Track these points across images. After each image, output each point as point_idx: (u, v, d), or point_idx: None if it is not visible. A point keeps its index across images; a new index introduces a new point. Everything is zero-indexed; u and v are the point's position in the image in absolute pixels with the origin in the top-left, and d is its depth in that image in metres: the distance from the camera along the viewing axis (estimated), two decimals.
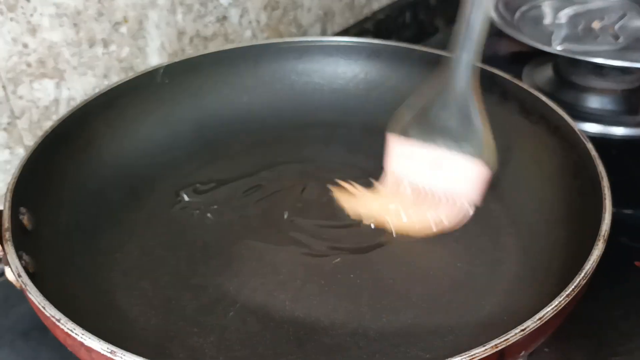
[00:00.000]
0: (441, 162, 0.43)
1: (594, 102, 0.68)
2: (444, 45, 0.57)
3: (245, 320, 0.40)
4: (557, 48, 0.66)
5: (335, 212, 0.49)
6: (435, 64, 0.56)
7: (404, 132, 0.44)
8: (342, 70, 0.58)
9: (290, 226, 0.48)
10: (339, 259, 0.44)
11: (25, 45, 0.51)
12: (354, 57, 0.58)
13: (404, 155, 0.44)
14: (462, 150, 0.43)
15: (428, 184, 0.44)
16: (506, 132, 0.51)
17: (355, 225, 0.48)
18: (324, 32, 0.77)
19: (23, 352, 0.47)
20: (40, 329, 0.47)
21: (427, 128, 0.43)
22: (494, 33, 0.74)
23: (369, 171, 0.53)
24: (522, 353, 0.33)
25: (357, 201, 0.47)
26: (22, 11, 0.50)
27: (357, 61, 0.58)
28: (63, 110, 0.54)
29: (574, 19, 0.71)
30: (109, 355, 0.30)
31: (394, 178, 0.45)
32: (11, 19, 0.49)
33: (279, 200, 0.50)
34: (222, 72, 0.56)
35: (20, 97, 0.52)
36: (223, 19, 0.65)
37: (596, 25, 0.70)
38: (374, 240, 0.46)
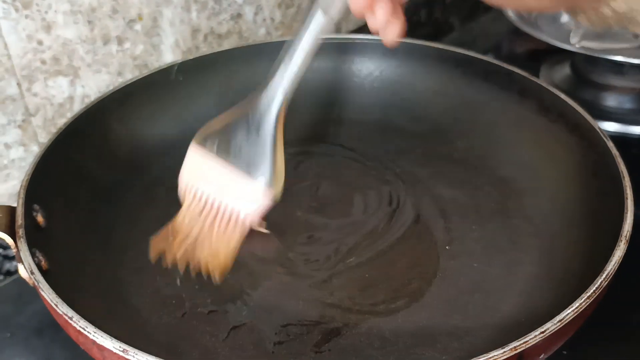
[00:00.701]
0: (229, 180, 0.43)
1: (613, 100, 0.67)
2: (459, 44, 0.56)
3: (259, 320, 0.40)
4: (576, 46, 0.65)
5: (351, 210, 0.48)
6: (451, 62, 0.55)
7: (205, 143, 0.44)
8: (357, 67, 0.58)
9: (305, 225, 0.47)
10: (353, 259, 0.44)
11: (40, 43, 0.51)
12: (368, 55, 0.58)
13: (199, 165, 0.44)
14: (252, 175, 0.43)
15: (214, 196, 0.43)
16: (524, 131, 0.51)
17: (371, 223, 0.47)
18: (338, 30, 0.77)
19: (37, 349, 0.47)
20: (53, 326, 0.47)
21: (227, 144, 0.43)
22: (512, 31, 0.73)
23: (383, 169, 0.52)
24: (542, 356, 0.32)
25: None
26: (36, 8, 0.50)
27: (371, 59, 0.58)
28: (77, 108, 0.54)
29: None
30: (121, 353, 0.30)
31: (186, 189, 0.44)
32: (26, 16, 0.49)
33: (293, 198, 0.50)
34: (236, 69, 0.56)
35: (35, 95, 0.52)
36: (237, 16, 0.65)
37: None
38: (389, 239, 0.46)
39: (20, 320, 0.49)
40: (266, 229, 0.46)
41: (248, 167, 0.43)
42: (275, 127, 0.43)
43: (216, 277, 0.42)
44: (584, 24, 0.35)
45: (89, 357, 0.34)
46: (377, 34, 0.41)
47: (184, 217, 0.44)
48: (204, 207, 0.43)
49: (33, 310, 0.50)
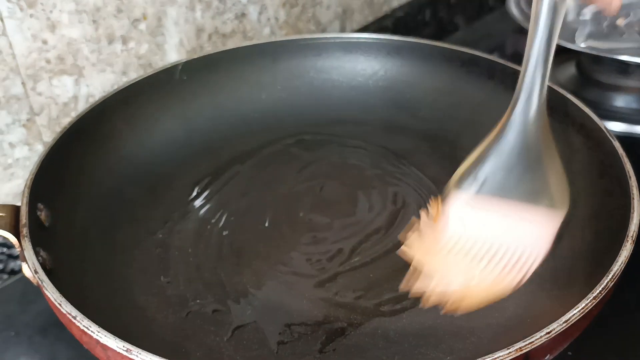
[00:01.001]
0: (505, 216, 0.37)
1: (619, 100, 0.67)
2: (464, 43, 0.56)
3: (263, 320, 0.39)
4: (581, 45, 0.65)
5: (355, 210, 0.48)
6: (456, 61, 0.55)
7: (464, 186, 0.38)
8: (362, 67, 0.58)
9: (308, 225, 0.47)
10: (357, 258, 0.44)
11: (44, 42, 0.51)
12: (373, 54, 0.57)
13: (464, 213, 0.38)
14: (530, 201, 0.37)
15: (492, 241, 0.37)
16: None
17: (375, 223, 0.47)
18: (342, 30, 0.77)
19: (41, 348, 0.47)
20: (58, 325, 0.47)
21: (490, 179, 0.38)
22: (516, 29, 0.73)
23: (388, 168, 0.52)
24: (547, 356, 0.32)
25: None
26: (41, 7, 0.50)
27: (376, 58, 0.57)
28: (82, 107, 0.54)
29: (598, 16, 0.70)
30: (124, 353, 0.30)
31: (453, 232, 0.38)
32: (31, 16, 0.49)
33: (297, 198, 0.50)
34: (240, 68, 0.56)
35: (40, 94, 0.52)
36: (242, 16, 0.65)
37: (621, 21, 0.69)
38: (393, 239, 0.45)
39: (24, 319, 0.49)
40: None
41: (524, 195, 0.37)
42: (542, 140, 0.37)
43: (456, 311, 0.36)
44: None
45: (93, 356, 0.34)
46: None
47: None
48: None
49: (37, 309, 0.50)
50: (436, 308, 0.40)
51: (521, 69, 0.38)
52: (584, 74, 0.70)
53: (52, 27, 0.51)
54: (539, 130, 0.38)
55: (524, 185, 0.37)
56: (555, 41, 0.38)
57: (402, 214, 0.48)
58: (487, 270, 0.37)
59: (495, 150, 0.38)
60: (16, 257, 0.54)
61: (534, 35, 0.37)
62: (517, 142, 0.38)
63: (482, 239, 0.37)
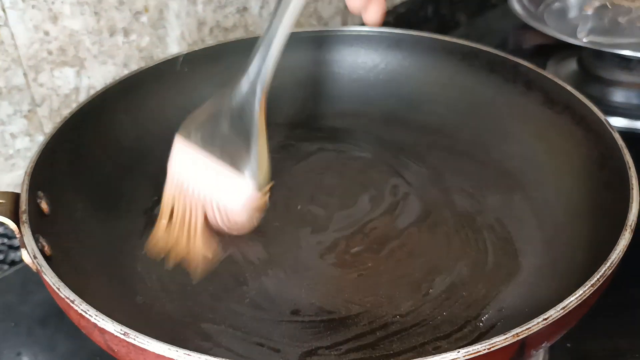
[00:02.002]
0: (214, 172, 0.42)
1: (620, 96, 0.67)
2: (466, 40, 0.56)
3: (261, 308, 0.40)
4: (583, 40, 0.65)
5: (355, 202, 0.48)
6: (457, 54, 0.55)
7: (189, 135, 0.43)
8: (362, 60, 0.58)
9: (307, 215, 0.47)
10: (356, 249, 0.44)
11: (46, 33, 0.51)
12: (374, 47, 0.57)
13: (185, 159, 0.43)
14: (236, 166, 0.42)
15: (200, 189, 0.43)
16: (530, 123, 0.50)
17: (375, 215, 0.47)
18: (344, 25, 0.77)
19: (40, 338, 0.47)
20: (57, 316, 0.47)
21: (210, 136, 0.43)
22: (518, 25, 0.73)
23: (388, 161, 0.52)
24: (544, 344, 0.32)
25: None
26: None
27: (377, 51, 0.57)
28: (83, 99, 0.54)
29: (600, 11, 0.70)
30: (122, 336, 0.30)
31: (173, 183, 0.44)
32: (33, 7, 0.50)
33: (296, 189, 0.50)
34: (241, 61, 0.56)
35: (41, 85, 0.52)
36: (243, 10, 0.65)
37: (623, 17, 0.69)
38: (393, 230, 0.46)
39: (24, 310, 0.50)
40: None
41: (232, 159, 0.42)
42: (256, 118, 0.42)
43: (196, 273, 0.42)
44: None
45: (93, 346, 0.34)
46: (358, 14, 0.41)
47: (169, 208, 0.43)
48: (188, 200, 0.43)
49: (37, 300, 0.50)
50: (433, 297, 0.40)
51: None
52: (585, 69, 0.70)
53: (54, 19, 0.51)
54: (255, 112, 0.43)
55: (230, 150, 0.42)
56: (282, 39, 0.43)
57: (402, 206, 0.48)
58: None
59: (221, 116, 0.43)
60: (17, 248, 0.54)
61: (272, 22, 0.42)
62: (239, 115, 0.43)
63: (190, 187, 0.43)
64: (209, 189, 0.42)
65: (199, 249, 0.43)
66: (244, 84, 0.43)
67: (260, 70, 0.42)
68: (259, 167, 0.42)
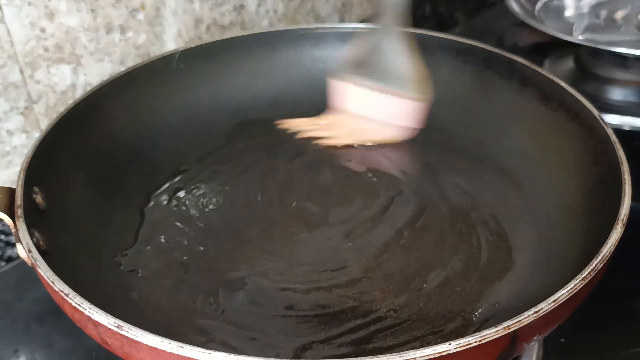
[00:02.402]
0: (378, 99, 0.49)
1: (617, 93, 0.67)
2: (463, 37, 0.56)
3: (255, 302, 0.40)
4: (579, 38, 0.65)
5: (350, 198, 0.48)
6: (452, 51, 0.55)
7: (346, 76, 0.49)
8: None
9: (303, 211, 0.47)
10: (350, 244, 0.44)
11: (42, 30, 0.51)
12: None
13: (347, 95, 0.49)
14: (398, 88, 0.48)
15: (369, 118, 0.50)
16: (525, 120, 0.51)
17: (370, 211, 0.47)
18: (342, 20, 0.77)
19: (37, 335, 0.47)
20: (54, 313, 0.47)
21: (364, 69, 0.49)
22: (515, 24, 0.73)
23: (383, 157, 0.52)
24: (536, 337, 0.32)
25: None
26: None
27: None
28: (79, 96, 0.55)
29: (596, 9, 0.70)
30: (115, 329, 0.30)
31: (340, 114, 0.51)
32: (29, 3, 0.50)
33: (292, 185, 0.50)
34: (238, 58, 0.56)
35: (38, 82, 0.52)
36: (240, 7, 0.65)
37: (619, 15, 0.69)
38: (387, 226, 0.46)
39: (21, 307, 0.50)
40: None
41: (394, 83, 0.48)
42: (398, 41, 0.48)
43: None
44: None
45: (90, 343, 0.34)
46: None
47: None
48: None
49: (34, 297, 0.50)
50: (427, 292, 0.40)
51: None
52: (582, 67, 0.70)
53: (51, 15, 0.51)
54: (398, 36, 0.49)
55: (393, 76, 0.49)
56: None
57: (397, 202, 0.48)
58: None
59: (369, 48, 0.49)
60: (13, 245, 0.54)
61: None
62: (385, 42, 0.49)
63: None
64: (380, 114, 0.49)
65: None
66: (381, 19, 0.48)
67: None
68: (417, 81, 0.48)
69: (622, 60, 0.65)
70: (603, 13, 0.69)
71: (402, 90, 0.48)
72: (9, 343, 0.47)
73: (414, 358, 0.27)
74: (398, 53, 0.48)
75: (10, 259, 0.55)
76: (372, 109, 0.50)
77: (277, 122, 0.55)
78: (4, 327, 0.48)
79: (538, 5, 0.73)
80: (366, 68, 0.49)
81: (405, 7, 0.49)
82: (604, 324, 0.44)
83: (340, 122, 0.53)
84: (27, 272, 0.41)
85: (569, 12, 0.72)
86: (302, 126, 0.54)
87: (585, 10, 0.70)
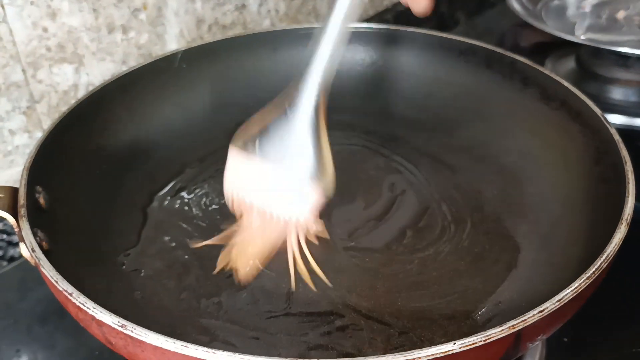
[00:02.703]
0: (277, 181, 0.40)
1: (618, 93, 0.67)
2: (464, 37, 0.56)
3: (258, 302, 0.40)
4: (581, 38, 0.65)
5: (352, 198, 0.48)
6: (454, 50, 0.55)
7: (245, 146, 0.41)
8: (360, 56, 0.58)
9: None
10: (353, 244, 0.44)
11: (44, 30, 0.51)
12: (372, 44, 0.58)
13: (242, 170, 0.41)
14: (299, 173, 0.40)
15: (262, 201, 0.41)
16: (527, 119, 0.51)
17: (372, 211, 0.47)
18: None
19: (40, 336, 0.47)
20: (57, 313, 0.47)
21: (268, 144, 0.40)
22: (517, 23, 0.73)
23: (385, 157, 0.52)
24: (540, 336, 0.32)
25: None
26: None
27: (375, 48, 0.58)
28: (82, 96, 0.55)
29: (597, 8, 0.70)
30: (119, 329, 0.30)
31: (234, 197, 0.42)
32: (31, 3, 0.50)
33: None
34: (240, 57, 0.56)
35: (40, 82, 0.52)
36: (242, 7, 0.65)
37: (621, 14, 0.69)
38: (390, 226, 0.46)
39: (23, 307, 0.49)
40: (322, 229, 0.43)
41: (293, 167, 0.40)
42: (317, 122, 0.40)
43: (243, 278, 0.41)
44: None
45: (92, 344, 0.34)
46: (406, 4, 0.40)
47: (238, 226, 0.42)
48: (254, 214, 0.41)
49: (37, 297, 0.50)
50: (430, 291, 0.40)
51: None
52: (583, 67, 0.70)
53: (53, 15, 0.51)
54: (314, 121, 0.40)
55: (294, 158, 0.40)
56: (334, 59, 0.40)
57: (400, 201, 0.48)
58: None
59: (278, 123, 0.40)
60: (16, 244, 0.54)
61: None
62: (297, 121, 0.40)
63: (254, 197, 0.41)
64: (273, 200, 0.40)
65: (255, 257, 0.41)
66: (301, 88, 0.40)
67: (317, 70, 0.40)
68: (323, 172, 0.40)
69: (624, 60, 0.65)
70: (605, 13, 0.69)
71: (305, 178, 0.39)
72: (11, 343, 0.47)
73: (419, 357, 0.27)
74: (310, 135, 0.40)
75: (12, 259, 0.55)
76: (264, 190, 0.40)
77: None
78: (6, 327, 0.48)
79: (539, 5, 0.73)
80: (270, 142, 0.40)
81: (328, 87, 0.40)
82: (607, 324, 0.44)
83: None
84: (30, 272, 0.41)
85: (570, 12, 0.72)
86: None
87: (587, 9, 0.70)
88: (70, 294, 0.32)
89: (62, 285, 0.32)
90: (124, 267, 0.42)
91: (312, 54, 0.40)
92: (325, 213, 0.47)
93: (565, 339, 0.43)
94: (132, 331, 0.29)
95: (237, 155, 0.41)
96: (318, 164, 0.40)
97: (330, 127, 0.55)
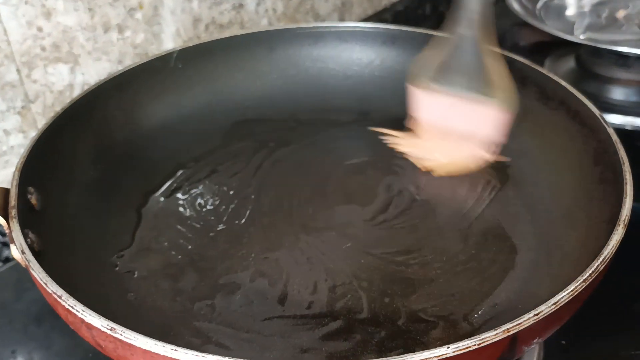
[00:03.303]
0: (461, 107, 0.45)
1: (618, 93, 0.67)
2: None
3: (252, 304, 0.39)
4: (580, 37, 0.65)
5: (348, 199, 0.48)
6: None
7: (424, 82, 0.46)
8: (358, 56, 0.58)
9: (301, 212, 0.47)
10: (349, 244, 0.44)
11: (39, 29, 0.51)
12: (369, 43, 0.57)
13: (427, 104, 0.46)
14: (480, 94, 0.44)
15: (452, 128, 0.46)
16: (525, 119, 0.50)
17: (369, 211, 0.47)
18: (341, 19, 0.77)
19: (36, 336, 0.47)
20: (52, 313, 0.47)
21: (445, 76, 0.45)
22: (516, 23, 0.73)
23: (382, 157, 0.52)
24: (536, 340, 0.32)
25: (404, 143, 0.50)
26: None
27: (372, 47, 0.57)
28: None
29: (597, 8, 0.70)
30: (109, 332, 0.29)
31: (421, 126, 0.47)
32: (26, 2, 0.49)
33: (289, 186, 0.49)
34: (236, 57, 0.56)
35: (35, 81, 0.52)
36: (239, 6, 0.64)
37: (621, 14, 0.68)
38: (386, 227, 0.45)
39: (19, 307, 0.49)
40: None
41: (475, 89, 0.44)
42: (483, 44, 0.45)
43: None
44: None
45: (88, 344, 0.34)
46: None
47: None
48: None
49: (32, 298, 0.50)
50: (426, 293, 0.40)
51: None
52: (583, 66, 0.69)
53: (47, 15, 0.51)
54: (481, 41, 0.45)
55: (474, 84, 0.45)
56: None
57: (397, 201, 0.48)
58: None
59: (448, 55, 0.46)
60: None
61: None
62: (465, 48, 0.45)
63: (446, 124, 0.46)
64: (460, 122, 0.45)
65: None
66: (461, 23, 0.45)
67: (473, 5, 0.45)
68: (501, 87, 0.44)
69: (624, 60, 0.65)
70: (604, 12, 0.69)
71: (486, 99, 0.44)
72: (7, 344, 0.46)
73: None
74: (481, 58, 0.45)
75: (7, 260, 0.54)
76: (453, 119, 0.46)
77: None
78: (2, 328, 0.48)
79: (539, 5, 0.73)
80: (446, 74, 0.45)
81: (486, 13, 0.45)
82: (605, 326, 0.44)
83: (425, 140, 0.50)
84: (25, 273, 0.40)
85: (570, 11, 0.71)
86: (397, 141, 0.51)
87: (587, 9, 0.70)
88: (60, 297, 0.31)
89: (51, 287, 0.32)
90: (117, 268, 0.42)
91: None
92: (324, 214, 0.47)
93: (564, 342, 0.43)
94: (121, 334, 0.29)
95: (418, 91, 0.46)
96: (493, 82, 0.44)
97: (328, 127, 0.56)
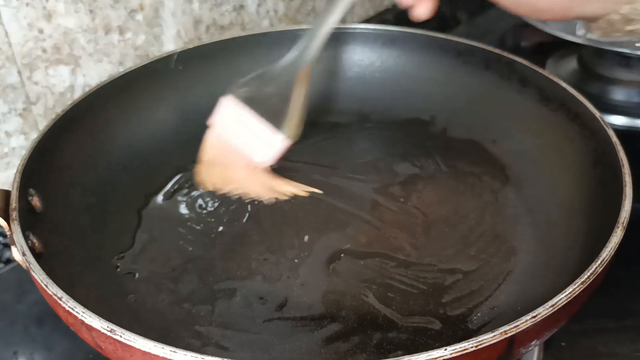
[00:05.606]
0: (253, 127, 0.46)
1: (620, 94, 0.66)
2: (466, 38, 0.56)
3: (251, 305, 0.40)
4: (582, 38, 0.65)
5: (346, 199, 0.48)
6: (452, 51, 0.55)
7: (235, 92, 0.47)
8: (358, 57, 0.58)
9: (301, 212, 0.47)
10: (349, 246, 0.44)
11: (40, 31, 0.51)
12: (370, 45, 0.57)
13: (229, 115, 0.47)
14: (273, 122, 0.46)
15: (236, 142, 0.47)
16: (525, 120, 0.50)
17: (369, 213, 0.47)
18: (343, 23, 0.77)
19: (37, 337, 0.47)
20: (54, 315, 0.47)
21: (254, 95, 0.47)
22: (518, 23, 0.73)
23: (383, 158, 0.52)
24: (534, 342, 0.32)
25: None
26: None
27: (373, 49, 0.57)
28: None
29: None
30: (108, 333, 0.29)
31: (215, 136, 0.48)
32: (27, 4, 0.49)
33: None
34: (236, 59, 0.56)
35: (36, 83, 0.52)
36: (240, 8, 0.64)
37: None
38: (386, 229, 0.45)
39: (20, 309, 0.49)
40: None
41: (269, 115, 0.46)
42: (295, 81, 0.46)
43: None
44: (596, 34, 0.36)
45: (89, 346, 0.34)
46: (407, 7, 0.43)
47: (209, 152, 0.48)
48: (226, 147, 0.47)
49: (33, 299, 0.50)
50: (425, 295, 0.40)
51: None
52: (585, 67, 0.69)
53: (48, 16, 0.51)
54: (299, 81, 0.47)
55: (269, 108, 0.46)
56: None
57: (397, 204, 0.47)
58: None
59: (267, 77, 0.48)
60: None
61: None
62: (278, 76, 0.47)
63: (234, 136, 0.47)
64: (245, 139, 0.46)
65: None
66: (291, 55, 0.47)
67: (307, 45, 0.47)
68: (289, 121, 0.46)
69: (626, 60, 0.65)
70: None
71: (274, 130, 0.46)
72: (8, 345, 0.47)
73: None
74: (289, 92, 0.47)
75: (9, 261, 0.55)
76: (241, 136, 0.47)
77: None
78: (3, 329, 0.48)
79: None
80: (254, 94, 0.47)
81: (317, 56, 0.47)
82: (605, 328, 0.43)
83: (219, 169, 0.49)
84: (26, 274, 0.40)
85: None
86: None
87: None
88: (60, 298, 0.31)
89: (51, 289, 0.32)
90: (118, 269, 0.42)
91: (307, 33, 0.47)
92: (323, 215, 0.47)
93: (563, 344, 0.43)
94: (120, 336, 0.29)
95: (227, 99, 0.47)
96: (291, 115, 0.46)
97: (327, 128, 0.56)
